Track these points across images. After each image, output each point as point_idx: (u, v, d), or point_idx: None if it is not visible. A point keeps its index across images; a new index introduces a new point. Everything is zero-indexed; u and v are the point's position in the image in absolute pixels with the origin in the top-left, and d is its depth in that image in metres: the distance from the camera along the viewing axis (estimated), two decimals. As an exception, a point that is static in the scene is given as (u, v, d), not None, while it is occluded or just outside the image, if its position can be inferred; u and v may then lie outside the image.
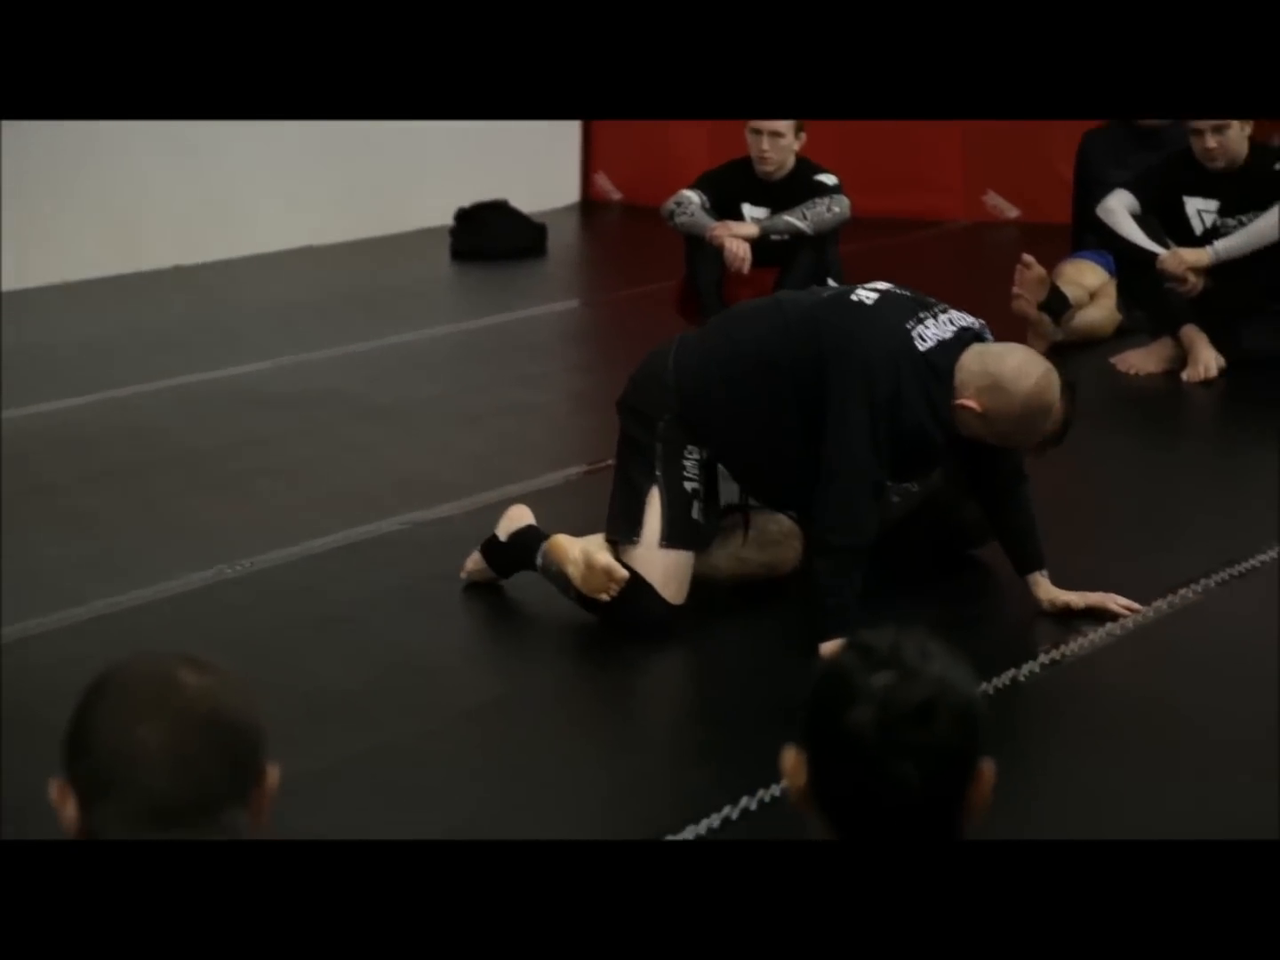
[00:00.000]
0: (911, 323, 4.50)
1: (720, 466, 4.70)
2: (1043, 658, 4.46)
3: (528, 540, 4.78)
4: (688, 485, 4.63)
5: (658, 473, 4.63)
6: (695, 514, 4.64)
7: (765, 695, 4.23)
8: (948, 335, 4.50)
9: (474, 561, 4.88)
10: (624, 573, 4.55)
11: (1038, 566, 4.72)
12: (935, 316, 4.54)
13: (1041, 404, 4.49)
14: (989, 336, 4.59)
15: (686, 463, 4.63)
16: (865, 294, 4.59)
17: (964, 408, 4.45)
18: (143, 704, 1.89)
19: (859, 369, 4.41)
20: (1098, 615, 4.66)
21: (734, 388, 4.58)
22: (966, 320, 4.57)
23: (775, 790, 3.71)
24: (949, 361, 4.47)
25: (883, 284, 4.65)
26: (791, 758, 2.01)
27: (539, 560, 4.72)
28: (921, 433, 4.45)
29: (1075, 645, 4.55)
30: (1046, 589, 4.70)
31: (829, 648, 4.18)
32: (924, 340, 4.48)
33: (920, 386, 4.43)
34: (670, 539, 4.61)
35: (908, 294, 4.62)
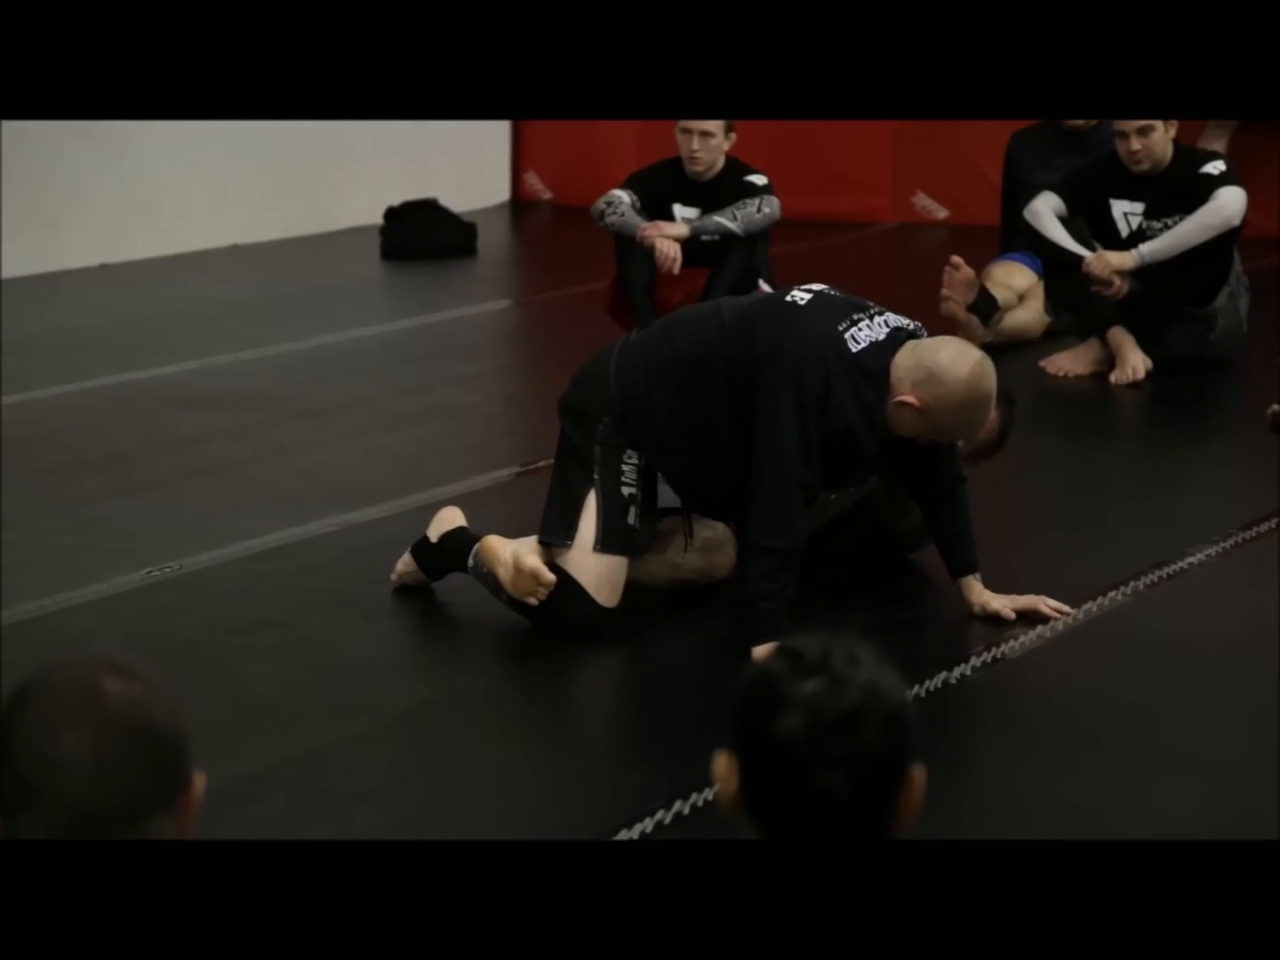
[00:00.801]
0: (844, 324, 4.49)
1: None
2: (974, 660, 4.48)
3: (459, 542, 4.76)
4: (625, 490, 4.61)
5: (595, 476, 4.62)
6: (631, 519, 4.63)
7: (699, 700, 4.22)
8: (881, 336, 4.50)
9: (405, 564, 4.86)
10: (551, 576, 4.54)
11: (971, 570, 4.73)
12: (870, 318, 4.54)
13: (981, 390, 4.48)
14: (924, 335, 4.59)
15: (625, 467, 4.61)
16: (799, 295, 4.59)
17: (902, 404, 4.44)
18: (66, 711, 1.87)
19: (789, 371, 4.41)
20: (1029, 618, 4.68)
21: (671, 390, 4.56)
22: (901, 321, 4.57)
23: (709, 795, 3.71)
24: (882, 362, 4.46)
25: (818, 285, 4.65)
26: (722, 763, 2.02)
27: (470, 562, 4.71)
28: (852, 436, 4.44)
29: (1006, 647, 4.56)
30: (979, 593, 4.71)
31: (760, 652, 4.19)
32: (856, 342, 4.47)
33: (852, 388, 4.43)
34: (605, 544, 4.60)
35: (841, 296, 4.62)
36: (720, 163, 7.40)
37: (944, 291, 7.43)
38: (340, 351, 7.68)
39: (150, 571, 5.02)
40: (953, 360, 4.47)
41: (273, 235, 9.90)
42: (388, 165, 10.33)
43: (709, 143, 7.33)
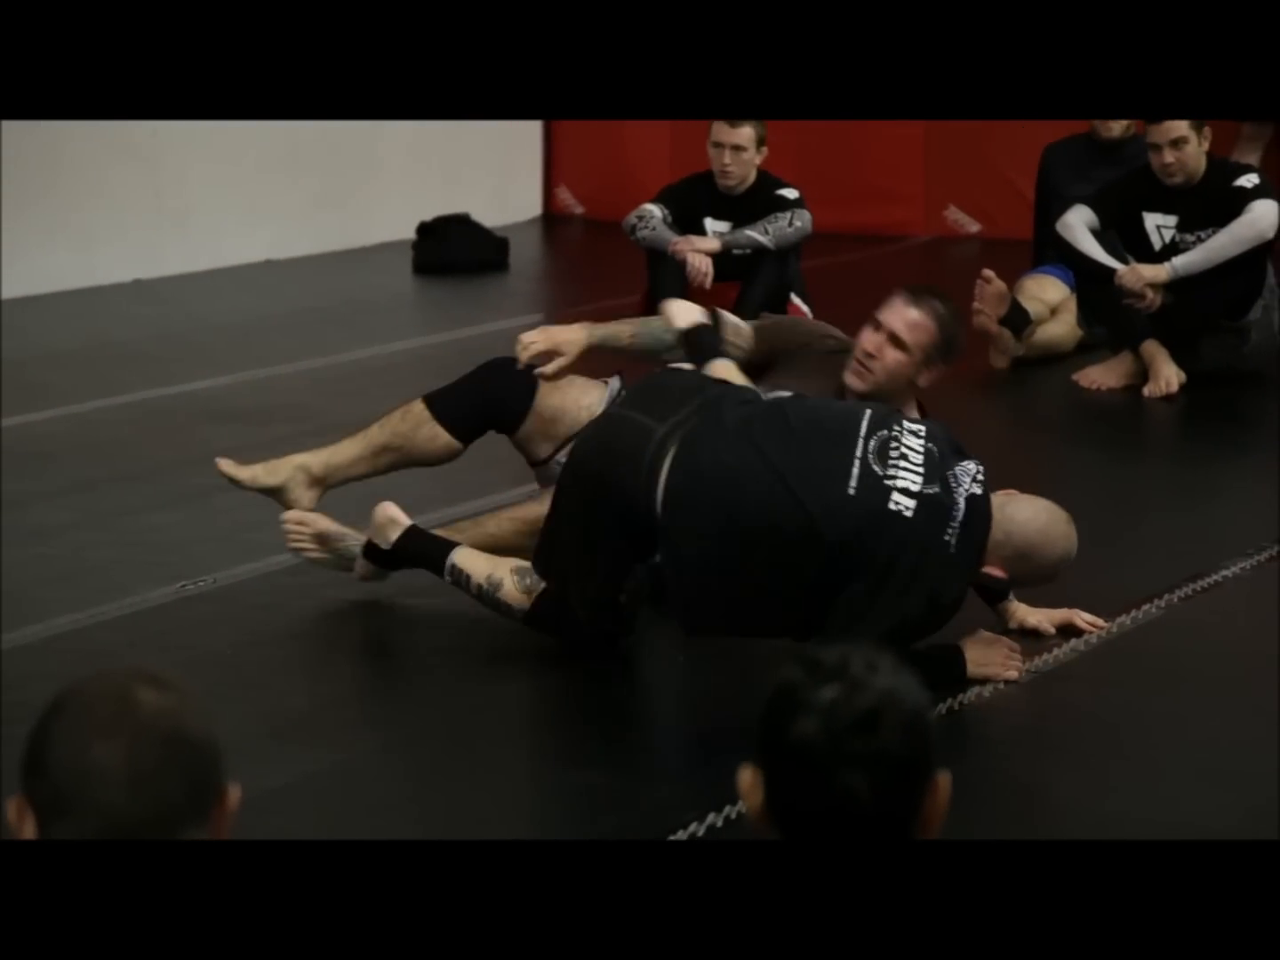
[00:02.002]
0: (949, 533, 4.23)
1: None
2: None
3: (428, 550, 4.72)
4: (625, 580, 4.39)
5: (598, 564, 4.37)
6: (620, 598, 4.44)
7: (729, 712, 4.22)
8: (965, 518, 4.25)
9: (362, 566, 4.84)
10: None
11: (1004, 596, 4.68)
12: (956, 505, 4.25)
13: (1068, 559, 4.37)
14: (984, 483, 4.34)
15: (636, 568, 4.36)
16: (903, 503, 4.20)
17: (991, 574, 4.32)
18: (101, 722, 1.88)
19: (900, 603, 4.17)
20: (1063, 631, 4.66)
21: (730, 557, 4.22)
22: (974, 485, 4.30)
23: (741, 808, 3.70)
24: (975, 549, 4.26)
25: (915, 474, 4.24)
26: (747, 777, 2.02)
27: (449, 577, 4.68)
28: (940, 614, 4.29)
29: (1041, 660, 4.55)
30: (1016, 610, 4.68)
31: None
32: (951, 545, 4.23)
33: (952, 589, 4.25)
34: (592, 622, 4.44)
35: (937, 491, 4.24)
36: (752, 176, 7.40)
37: (976, 305, 7.42)
38: (373, 366, 7.70)
39: (185, 585, 5.03)
40: (1043, 537, 4.31)
41: (306, 250, 9.92)
42: (420, 180, 10.35)
43: (740, 156, 7.33)
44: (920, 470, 4.25)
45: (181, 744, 1.89)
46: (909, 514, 4.19)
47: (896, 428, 4.31)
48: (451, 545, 4.70)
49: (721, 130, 7.36)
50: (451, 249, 9.68)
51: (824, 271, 8.47)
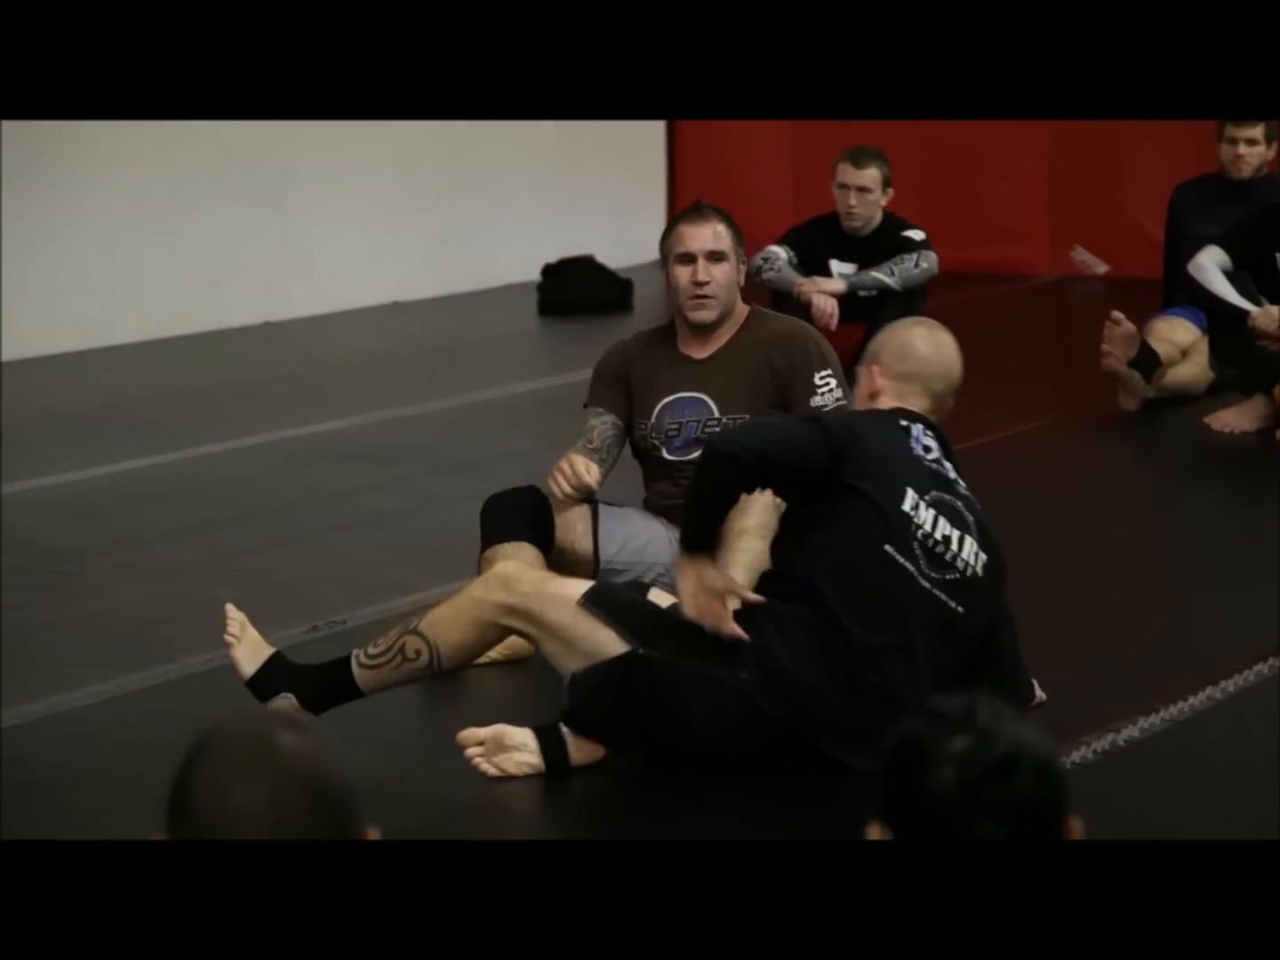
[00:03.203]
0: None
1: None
2: (1142, 721, 4.40)
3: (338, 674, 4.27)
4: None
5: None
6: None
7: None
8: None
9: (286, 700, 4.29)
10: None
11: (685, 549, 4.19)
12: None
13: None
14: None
15: None
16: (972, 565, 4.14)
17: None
18: (240, 764, 1.88)
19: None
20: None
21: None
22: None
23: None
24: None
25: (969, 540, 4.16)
26: (875, 833, 1.99)
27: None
28: None
29: (1175, 709, 4.47)
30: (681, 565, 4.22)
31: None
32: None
33: None
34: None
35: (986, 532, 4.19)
36: (878, 218, 7.38)
37: (1105, 347, 7.36)
38: (497, 406, 7.72)
39: (315, 625, 5.04)
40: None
41: (431, 291, 9.99)
42: (544, 221, 10.40)
43: (866, 198, 7.31)
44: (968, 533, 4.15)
45: (321, 786, 1.90)
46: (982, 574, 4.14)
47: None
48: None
49: (847, 171, 7.34)
50: (575, 290, 9.72)
51: (949, 311, 8.41)
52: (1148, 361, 7.40)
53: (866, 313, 7.28)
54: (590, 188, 10.60)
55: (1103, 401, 7.42)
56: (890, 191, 7.38)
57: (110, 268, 8.88)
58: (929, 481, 4.14)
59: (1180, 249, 7.59)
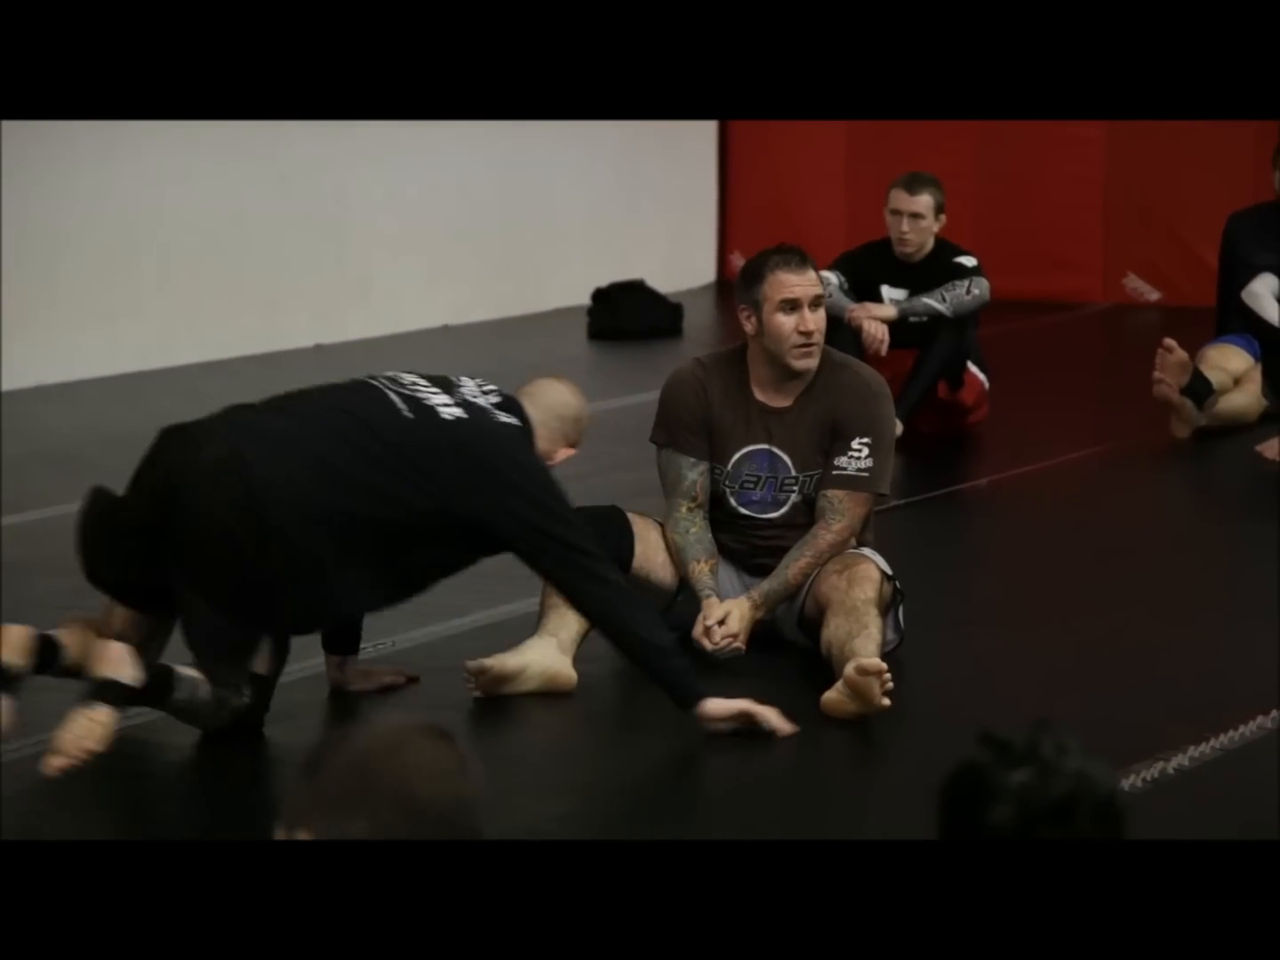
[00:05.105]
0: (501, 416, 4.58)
1: None
2: (1197, 747, 4.38)
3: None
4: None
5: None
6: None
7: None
8: (502, 406, 4.61)
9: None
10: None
11: (353, 651, 4.70)
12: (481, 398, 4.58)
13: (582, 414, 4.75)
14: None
15: None
16: (452, 411, 4.50)
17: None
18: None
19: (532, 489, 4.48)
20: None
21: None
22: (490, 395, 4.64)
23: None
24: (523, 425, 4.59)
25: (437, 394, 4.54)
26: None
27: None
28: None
29: (1225, 738, 4.45)
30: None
31: (719, 708, 4.25)
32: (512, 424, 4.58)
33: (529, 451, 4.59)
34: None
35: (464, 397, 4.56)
36: (930, 244, 7.37)
37: (1157, 374, 7.33)
38: (548, 431, 7.72)
39: (366, 648, 5.06)
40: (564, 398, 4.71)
41: (483, 315, 10.01)
42: (595, 246, 10.42)
43: (919, 224, 7.31)
44: (437, 389, 4.50)
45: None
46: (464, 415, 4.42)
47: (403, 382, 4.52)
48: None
49: (900, 198, 7.34)
50: (626, 315, 9.73)
51: (1001, 339, 8.40)
52: (1200, 389, 7.38)
53: (918, 339, 7.27)
54: (642, 213, 10.62)
55: (1155, 430, 7.39)
56: (943, 218, 7.38)
57: (164, 291, 8.93)
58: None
59: (1234, 277, 7.56)
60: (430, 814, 1.92)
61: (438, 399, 4.46)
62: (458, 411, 4.44)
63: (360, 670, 4.74)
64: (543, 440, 4.58)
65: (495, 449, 4.40)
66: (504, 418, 4.50)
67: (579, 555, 4.37)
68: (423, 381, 4.52)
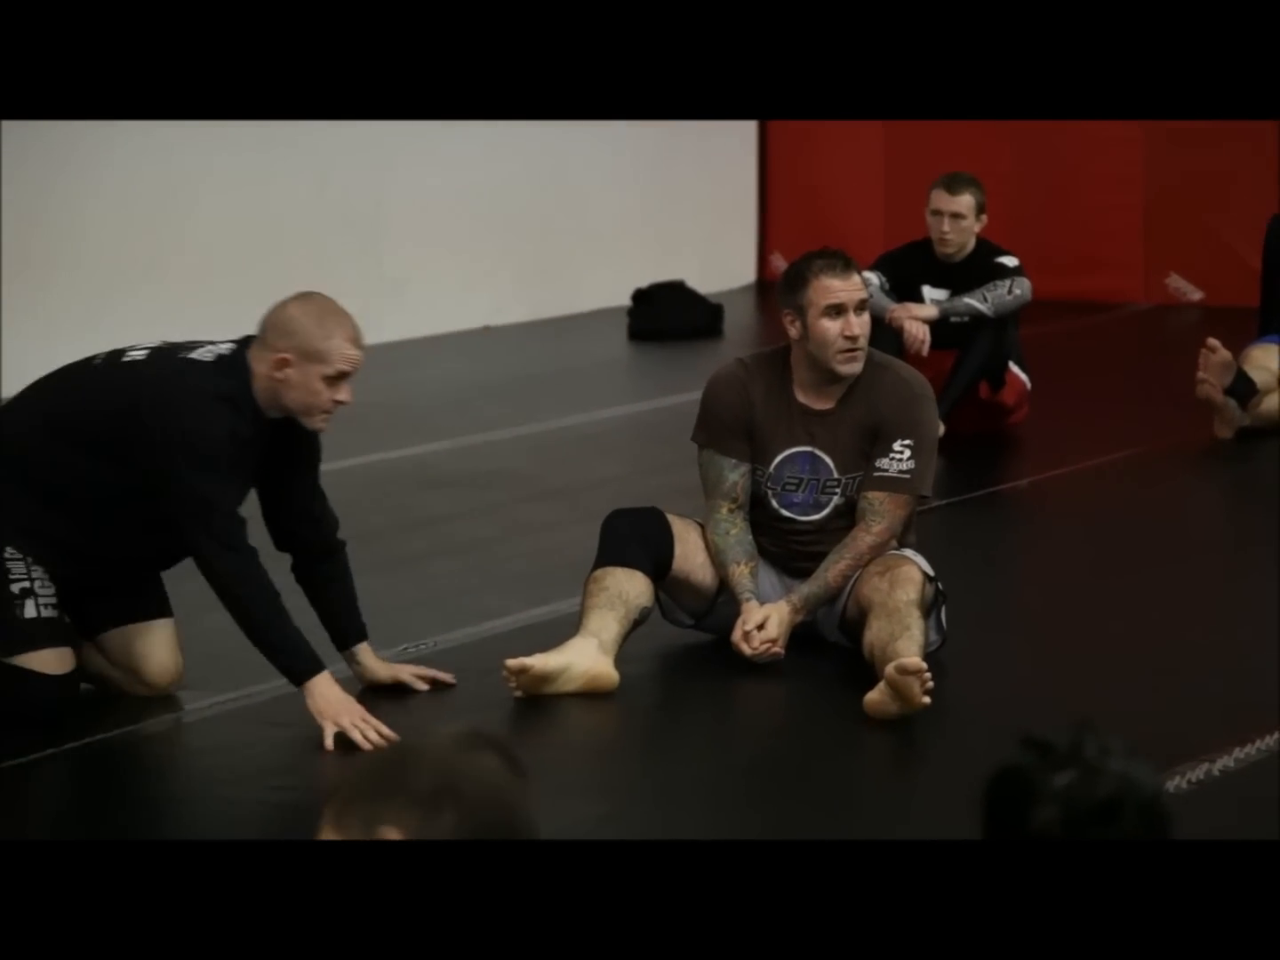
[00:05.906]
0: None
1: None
2: (1238, 751, 4.35)
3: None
4: (15, 586, 4.54)
5: None
6: (31, 612, 4.53)
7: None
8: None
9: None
10: None
11: (361, 638, 4.74)
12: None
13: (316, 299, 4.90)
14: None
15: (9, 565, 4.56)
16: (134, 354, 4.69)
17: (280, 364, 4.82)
18: None
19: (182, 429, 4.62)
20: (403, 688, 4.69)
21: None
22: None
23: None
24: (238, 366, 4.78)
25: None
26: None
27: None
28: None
29: (1262, 743, 4.42)
30: (369, 663, 4.69)
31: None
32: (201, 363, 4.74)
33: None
34: (6, 648, 4.50)
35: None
36: (971, 244, 7.35)
37: (1200, 374, 7.29)
38: (587, 432, 7.72)
39: (405, 648, 5.06)
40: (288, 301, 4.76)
41: (522, 317, 10.01)
42: (635, 247, 10.40)
43: (960, 224, 7.28)
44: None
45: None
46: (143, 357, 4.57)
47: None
48: None
49: (941, 198, 7.32)
50: (666, 315, 9.71)
51: (1042, 339, 8.36)
52: (1244, 389, 7.33)
53: (959, 339, 7.24)
54: (681, 214, 10.61)
55: (1198, 430, 7.35)
56: (984, 218, 7.35)
57: (206, 292, 8.94)
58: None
59: (1278, 277, 7.52)
60: (490, 815, 1.91)
61: (136, 350, 4.65)
62: (139, 355, 4.62)
63: (380, 663, 4.74)
64: (257, 362, 4.69)
65: (153, 393, 4.54)
66: (192, 356, 4.64)
67: (202, 507, 4.47)
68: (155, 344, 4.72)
